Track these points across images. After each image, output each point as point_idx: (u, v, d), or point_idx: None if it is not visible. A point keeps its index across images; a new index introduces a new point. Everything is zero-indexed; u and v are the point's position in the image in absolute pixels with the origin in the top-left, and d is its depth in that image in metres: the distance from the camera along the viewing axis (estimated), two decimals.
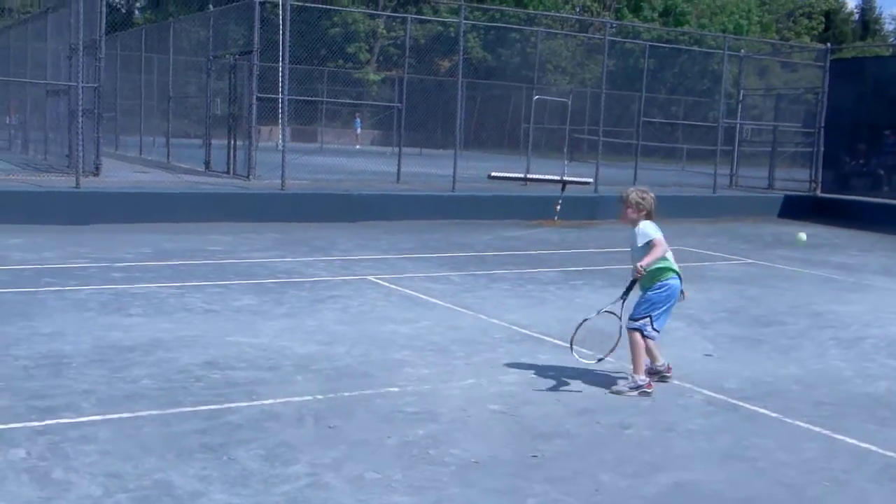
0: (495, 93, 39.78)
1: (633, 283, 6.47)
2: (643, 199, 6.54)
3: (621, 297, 6.50)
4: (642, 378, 6.40)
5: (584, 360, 6.54)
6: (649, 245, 6.36)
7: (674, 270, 6.48)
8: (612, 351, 6.49)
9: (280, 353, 6.93)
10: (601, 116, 20.03)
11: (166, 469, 4.61)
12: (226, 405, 5.65)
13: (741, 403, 6.24)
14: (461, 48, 19.19)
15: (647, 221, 6.50)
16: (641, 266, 6.26)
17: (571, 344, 6.45)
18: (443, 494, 4.49)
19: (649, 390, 6.36)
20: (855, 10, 70.29)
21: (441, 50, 39.00)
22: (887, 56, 40.04)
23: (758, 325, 8.90)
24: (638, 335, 6.42)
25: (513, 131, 37.69)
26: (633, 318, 6.46)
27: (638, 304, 6.49)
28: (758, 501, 4.62)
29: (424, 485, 4.58)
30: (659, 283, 6.44)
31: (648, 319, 6.43)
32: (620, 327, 6.48)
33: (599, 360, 6.54)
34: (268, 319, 8.05)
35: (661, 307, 6.45)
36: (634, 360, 6.43)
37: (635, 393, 6.34)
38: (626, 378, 6.47)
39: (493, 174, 18.89)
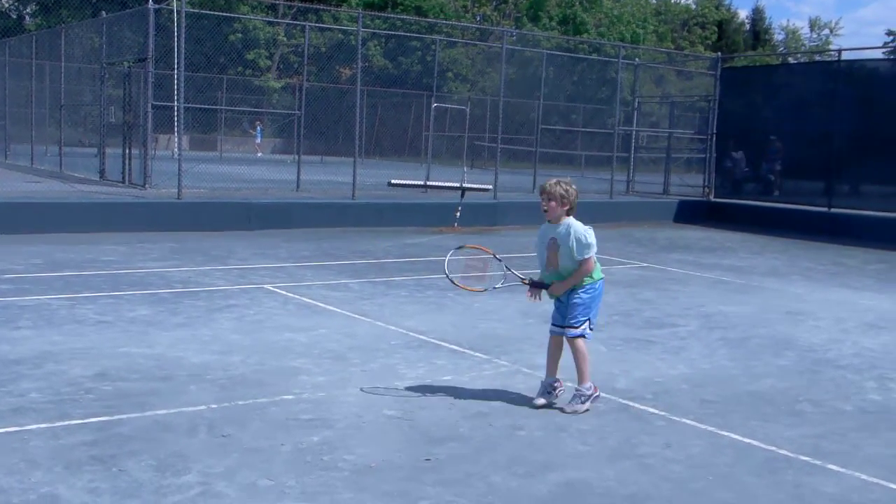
0: (396, 101, 39.85)
1: (542, 285, 6.18)
2: (567, 191, 6.04)
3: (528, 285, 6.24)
4: (588, 385, 6.12)
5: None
6: (585, 260, 5.99)
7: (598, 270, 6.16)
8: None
9: (174, 364, 6.85)
10: (500, 124, 20.25)
11: (53, 482, 4.53)
12: (117, 416, 5.57)
13: (631, 403, 6.38)
14: (359, 56, 19.19)
15: (585, 226, 6.04)
16: (559, 290, 6.07)
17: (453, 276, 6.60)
18: (336, 499, 4.51)
19: (597, 394, 6.19)
20: (746, 21, 72.22)
21: (342, 58, 38.94)
22: (776, 65, 41.28)
23: (650, 327, 9.11)
24: (581, 342, 6.10)
25: (414, 139, 37.83)
26: (571, 326, 6.07)
27: (571, 309, 6.08)
28: (644, 497, 4.74)
29: (318, 490, 4.59)
30: (587, 285, 6.09)
31: (587, 323, 6.10)
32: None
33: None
34: (162, 330, 7.95)
35: (594, 308, 6.13)
36: (582, 370, 6.10)
37: (589, 405, 6.09)
38: (578, 394, 6.11)
39: (394, 181, 18.93)
